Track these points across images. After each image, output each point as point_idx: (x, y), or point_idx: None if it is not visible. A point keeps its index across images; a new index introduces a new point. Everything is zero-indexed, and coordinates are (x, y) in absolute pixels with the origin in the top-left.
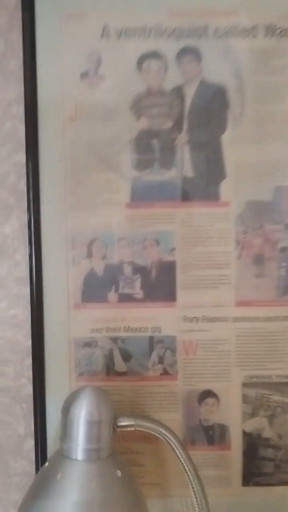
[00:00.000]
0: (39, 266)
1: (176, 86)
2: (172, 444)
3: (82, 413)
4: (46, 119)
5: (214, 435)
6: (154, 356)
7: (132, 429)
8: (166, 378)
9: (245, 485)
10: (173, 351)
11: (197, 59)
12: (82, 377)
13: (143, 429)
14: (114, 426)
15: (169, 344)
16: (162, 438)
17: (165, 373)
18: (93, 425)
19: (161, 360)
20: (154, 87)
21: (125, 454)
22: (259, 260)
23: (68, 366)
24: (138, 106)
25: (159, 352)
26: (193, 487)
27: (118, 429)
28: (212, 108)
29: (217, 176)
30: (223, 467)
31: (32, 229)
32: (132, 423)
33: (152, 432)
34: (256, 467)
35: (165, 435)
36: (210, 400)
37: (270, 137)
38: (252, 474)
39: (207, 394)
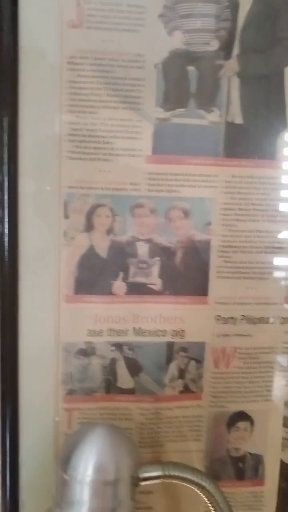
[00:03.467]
0: (13, 240)
1: None
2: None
3: (91, 470)
4: (38, 24)
5: (245, 468)
6: (173, 369)
7: (159, 481)
8: (187, 397)
9: None
10: (200, 362)
11: None
12: (72, 397)
13: (173, 481)
14: (137, 481)
15: (195, 353)
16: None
17: (186, 390)
18: (107, 487)
19: (182, 374)
20: None
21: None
22: None
23: (53, 382)
24: (171, 14)
25: (180, 363)
26: None
27: (142, 483)
28: (277, 26)
29: (276, 126)
30: (254, 507)
31: (5, 186)
32: (160, 473)
33: (187, 485)
34: None
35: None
36: (242, 424)
37: None
38: None
39: (239, 416)
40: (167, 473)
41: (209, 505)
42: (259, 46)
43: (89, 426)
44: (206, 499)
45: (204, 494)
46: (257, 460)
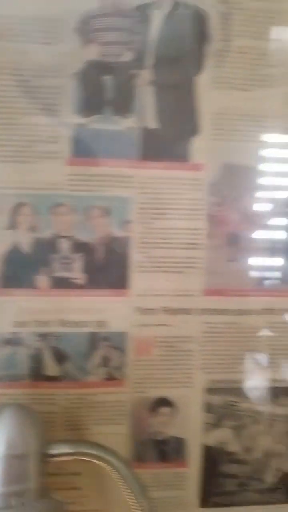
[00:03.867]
0: None
1: (141, 4)
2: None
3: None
4: None
5: (168, 450)
6: (97, 357)
7: (69, 458)
8: (111, 384)
9: (204, 507)
10: (122, 350)
11: None
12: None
13: (83, 458)
14: (44, 458)
15: (117, 342)
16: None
17: (110, 378)
18: (13, 460)
19: (105, 362)
20: (109, 3)
21: (57, 476)
22: (234, 240)
23: None
24: (88, 28)
25: (103, 352)
26: None
27: (51, 460)
28: (186, 40)
29: (187, 130)
30: (177, 487)
31: None
32: (68, 450)
33: (94, 461)
34: (216, 485)
35: (113, 466)
36: (164, 410)
37: (260, 83)
38: (212, 494)
39: (162, 402)
40: (74, 450)
41: (119, 481)
42: (170, 58)
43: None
44: (115, 475)
45: (113, 470)
46: (180, 443)
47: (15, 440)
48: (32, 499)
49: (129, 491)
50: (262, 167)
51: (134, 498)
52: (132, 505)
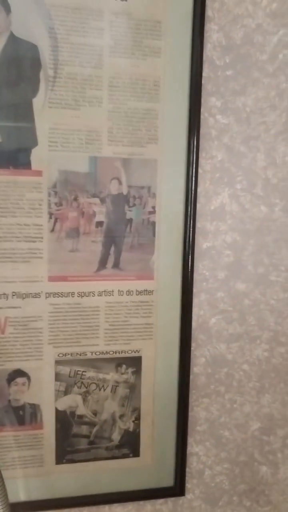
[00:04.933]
0: None
1: None
2: None
3: None
4: None
5: (25, 415)
6: None
7: None
8: None
9: (59, 463)
10: None
11: (5, 9)
12: None
13: None
14: None
15: None
16: None
17: None
18: None
19: None
20: None
21: None
22: (73, 234)
23: None
24: None
25: None
26: None
27: None
28: (22, 67)
29: (28, 143)
30: (35, 447)
31: None
32: None
33: None
34: (70, 444)
35: None
36: (20, 380)
37: (86, 103)
38: (66, 452)
39: (17, 373)
40: None
41: None
42: (10, 82)
43: None
44: None
45: None
46: (35, 409)
47: None
48: None
49: None
50: (91, 172)
51: None
52: None
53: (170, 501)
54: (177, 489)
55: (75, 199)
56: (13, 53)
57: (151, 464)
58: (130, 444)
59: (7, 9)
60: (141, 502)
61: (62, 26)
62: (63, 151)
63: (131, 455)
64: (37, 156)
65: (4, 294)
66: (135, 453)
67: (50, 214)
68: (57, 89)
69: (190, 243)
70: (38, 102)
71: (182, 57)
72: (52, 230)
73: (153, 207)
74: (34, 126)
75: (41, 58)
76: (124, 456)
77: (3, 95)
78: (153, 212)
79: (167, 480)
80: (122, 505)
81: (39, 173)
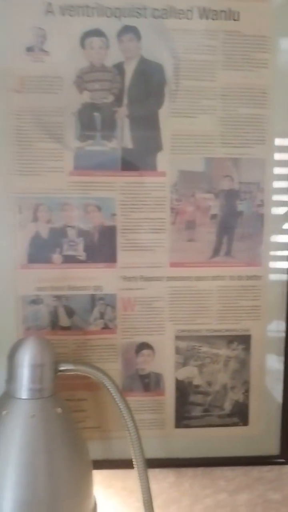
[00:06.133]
0: None
1: (117, 63)
2: (110, 388)
3: (26, 357)
4: None
5: (149, 383)
6: (96, 312)
7: (72, 373)
8: (106, 332)
9: (177, 427)
10: (113, 307)
11: (136, 38)
12: (29, 332)
13: (82, 373)
14: (56, 370)
15: (110, 301)
16: (100, 381)
17: (105, 327)
18: (36, 367)
19: (102, 315)
20: (96, 63)
21: (69, 401)
22: (191, 225)
23: (16, 321)
24: (81, 81)
25: (100, 308)
26: (128, 428)
27: (60, 373)
28: (150, 84)
29: (154, 148)
30: (157, 411)
31: None
32: (72, 367)
33: (91, 376)
34: (187, 411)
35: (103, 378)
36: (146, 352)
37: (202, 112)
38: (183, 417)
39: (143, 346)
40: (74, 367)
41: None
42: (140, 97)
43: (26, 336)
44: (107, 389)
45: (106, 387)
46: (158, 377)
47: (36, 355)
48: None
49: (120, 407)
50: (206, 171)
51: (125, 416)
52: (125, 422)
53: (275, 468)
54: (282, 457)
55: (193, 195)
56: (143, 73)
57: (258, 434)
58: (240, 414)
59: (138, 37)
60: (248, 468)
61: (182, 46)
62: (182, 154)
63: (240, 424)
64: (161, 159)
65: (134, 277)
66: (244, 422)
67: (172, 209)
68: (178, 101)
69: None
70: (162, 112)
71: (287, 67)
72: (173, 223)
73: (262, 201)
74: (159, 134)
75: (166, 75)
76: (234, 424)
77: (135, 108)
78: (261, 205)
79: (273, 449)
80: (231, 468)
81: (163, 174)
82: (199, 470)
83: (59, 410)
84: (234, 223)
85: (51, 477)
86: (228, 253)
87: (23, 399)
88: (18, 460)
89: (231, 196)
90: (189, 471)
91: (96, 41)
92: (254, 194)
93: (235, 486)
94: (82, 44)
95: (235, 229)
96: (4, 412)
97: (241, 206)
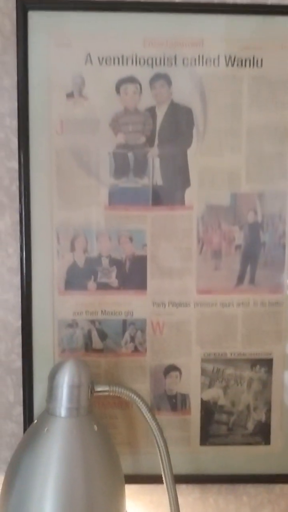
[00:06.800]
0: (28, 258)
1: (149, 107)
2: (142, 408)
3: (66, 378)
4: (36, 131)
5: (176, 403)
6: (127, 336)
7: (107, 393)
8: (136, 355)
9: (202, 445)
10: (143, 331)
11: (167, 84)
12: (64, 353)
13: (116, 394)
14: (92, 391)
15: (140, 326)
16: (133, 402)
17: (136, 350)
18: (74, 388)
19: (132, 339)
20: (130, 107)
21: (102, 419)
22: (217, 255)
23: (52, 344)
24: (116, 123)
25: (131, 332)
26: (158, 445)
27: (95, 393)
28: (179, 126)
29: (183, 184)
30: (184, 429)
31: (23, 226)
32: (107, 388)
33: (124, 397)
34: (212, 429)
35: (135, 399)
36: (173, 373)
37: (228, 150)
38: (209, 435)
39: (171, 368)
40: (110, 389)
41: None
42: (170, 138)
43: (65, 359)
44: (139, 409)
45: (138, 406)
46: (185, 398)
47: (74, 376)
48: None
49: (151, 426)
50: (232, 205)
51: (155, 434)
52: (156, 439)
53: None
54: None
55: (219, 227)
56: (173, 116)
57: (281, 452)
58: (262, 433)
59: (169, 83)
60: (271, 485)
61: (210, 90)
62: (209, 189)
63: (263, 442)
64: (189, 194)
65: (163, 303)
66: (267, 441)
67: (198, 239)
68: (206, 140)
69: None
70: (191, 151)
71: None
72: (200, 252)
73: (283, 232)
74: (188, 171)
75: (194, 118)
76: (257, 443)
77: (165, 148)
78: (283, 236)
79: None
80: (254, 486)
81: (190, 208)
82: (223, 487)
83: (95, 427)
84: (257, 253)
85: (88, 490)
86: (251, 281)
87: (62, 417)
88: (57, 473)
89: (254, 228)
90: (214, 487)
91: (130, 87)
92: (276, 226)
93: (258, 502)
94: (117, 90)
95: (258, 258)
96: (45, 430)
97: (264, 237)
